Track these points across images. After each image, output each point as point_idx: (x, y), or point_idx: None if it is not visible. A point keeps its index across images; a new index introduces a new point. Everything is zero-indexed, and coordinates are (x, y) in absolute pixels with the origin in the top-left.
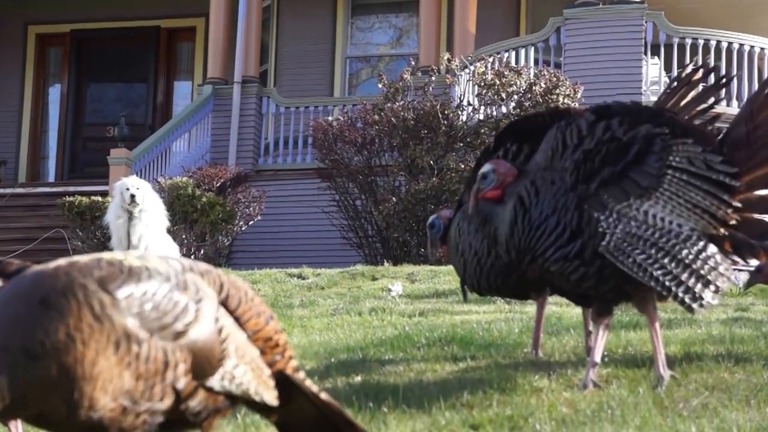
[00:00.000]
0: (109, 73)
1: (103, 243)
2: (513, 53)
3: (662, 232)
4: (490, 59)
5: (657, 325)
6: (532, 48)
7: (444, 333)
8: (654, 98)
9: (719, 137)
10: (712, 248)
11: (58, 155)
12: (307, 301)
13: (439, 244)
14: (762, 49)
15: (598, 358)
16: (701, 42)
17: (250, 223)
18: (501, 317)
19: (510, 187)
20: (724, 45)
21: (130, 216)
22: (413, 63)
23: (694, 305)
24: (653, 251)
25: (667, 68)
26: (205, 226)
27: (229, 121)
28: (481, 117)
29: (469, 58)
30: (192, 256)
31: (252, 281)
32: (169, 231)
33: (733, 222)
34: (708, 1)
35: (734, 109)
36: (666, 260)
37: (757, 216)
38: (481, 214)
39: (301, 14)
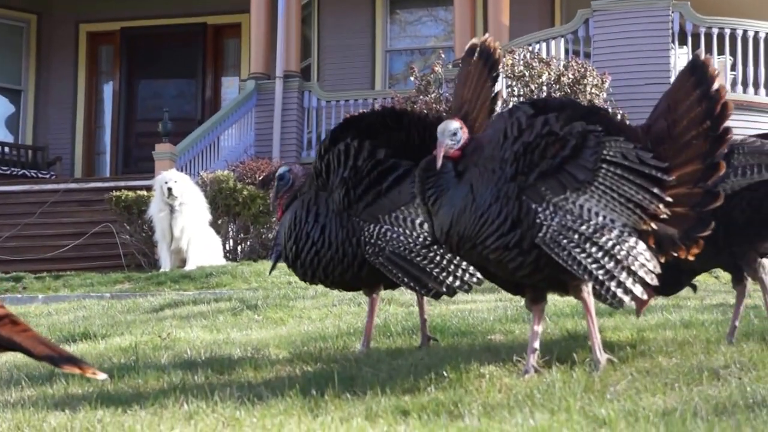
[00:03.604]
0: (159, 69)
1: (150, 236)
2: (544, 45)
3: (596, 226)
4: (520, 51)
5: (592, 311)
6: (562, 39)
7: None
8: None
9: (643, 131)
10: (641, 245)
11: (111, 151)
12: (321, 292)
13: (281, 199)
14: None
15: (536, 345)
16: (728, 31)
17: None
18: (493, 306)
19: (463, 173)
20: (751, 34)
21: (172, 209)
22: (443, 56)
23: (626, 299)
24: (587, 245)
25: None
26: (247, 219)
27: (272, 116)
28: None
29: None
30: (237, 248)
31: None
32: (212, 224)
33: (663, 216)
34: None
35: (760, 97)
36: (599, 254)
37: (683, 210)
38: (431, 192)
39: (341, 9)
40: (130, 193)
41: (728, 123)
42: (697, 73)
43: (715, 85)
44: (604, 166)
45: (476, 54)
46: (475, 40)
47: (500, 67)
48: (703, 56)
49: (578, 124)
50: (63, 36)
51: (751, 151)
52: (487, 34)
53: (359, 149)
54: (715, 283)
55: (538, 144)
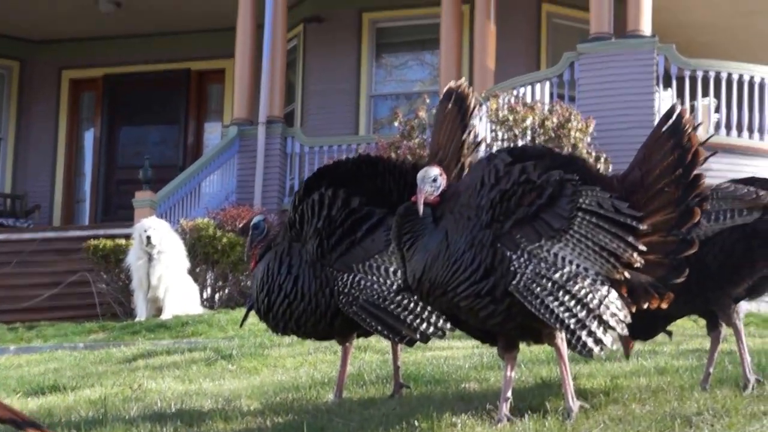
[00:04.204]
0: (142, 115)
1: (127, 285)
2: (529, 88)
3: (570, 275)
4: (504, 95)
5: (565, 358)
6: (548, 83)
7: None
8: None
9: (617, 182)
10: (613, 294)
11: (92, 198)
12: (297, 340)
13: (254, 249)
14: None
15: (509, 393)
16: (712, 74)
17: None
18: (469, 353)
19: (440, 219)
20: (735, 77)
21: (150, 257)
22: (428, 100)
23: (595, 349)
24: (560, 293)
25: (680, 100)
26: (226, 267)
27: (254, 162)
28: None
29: (483, 94)
30: (215, 296)
31: None
32: (191, 272)
33: (637, 264)
34: (718, 33)
35: (743, 139)
36: (572, 303)
37: (657, 258)
38: (407, 238)
39: (326, 54)
40: (108, 242)
41: (699, 170)
42: (672, 123)
43: (687, 135)
44: (579, 214)
45: (452, 99)
46: (451, 84)
47: (473, 114)
48: (678, 107)
49: (555, 173)
50: (45, 82)
51: (723, 196)
52: (462, 79)
53: (333, 198)
54: (692, 327)
55: (514, 192)
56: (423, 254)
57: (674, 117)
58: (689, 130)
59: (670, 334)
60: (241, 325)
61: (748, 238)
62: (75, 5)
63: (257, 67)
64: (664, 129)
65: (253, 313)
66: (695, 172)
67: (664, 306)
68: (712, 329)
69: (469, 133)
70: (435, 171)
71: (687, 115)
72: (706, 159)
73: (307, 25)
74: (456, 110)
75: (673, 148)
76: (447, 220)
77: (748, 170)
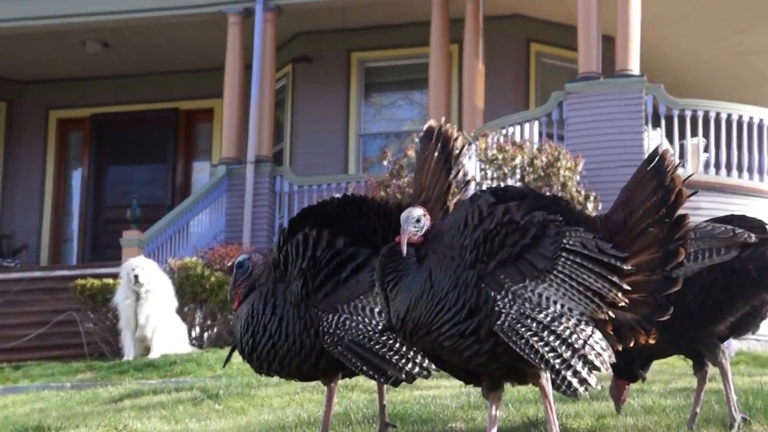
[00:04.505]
0: (130, 155)
1: (114, 324)
2: (518, 127)
3: (554, 315)
4: (493, 134)
5: (550, 398)
6: (536, 122)
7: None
8: None
9: (600, 223)
10: (597, 334)
11: (79, 238)
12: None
13: (238, 289)
14: (761, 119)
15: None
16: (701, 113)
17: None
18: (456, 392)
19: (424, 259)
20: (724, 116)
21: (138, 296)
22: (416, 140)
23: (580, 389)
24: (545, 334)
25: (669, 139)
26: (214, 306)
27: (243, 201)
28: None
29: (473, 134)
30: (204, 335)
31: None
32: (179, 311)
33: (621, 304)
34: (706, 72)
35: (732, 178)
36: (557, 343)
37: (641, 297)
38: (391, 278)
39: (315, 93)
40: (96, 281)
41: (684, 210)
42: (654, 164)
43: (670, 176)
44: (563, 254)
45: (433, 139)
46: (432, 123)
47: (460, 155)
48: (661, 149)
49: (538, 214)
50: (32, 122)
51: (702, 235)
52: (442, 119)
53: (318, 239)
54: (682, 366)
55: (498, 232)
56: (407, 294)
57: (657, 158)
58: (672, 171)
59: (643, 379)
60: (224, 365)
61: (726, 277)
62: (63, 46)
63: (246, 107)
64: (647, 170)
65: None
66: (679, 212)
67: (651, 341)
68: (698, 369)
69: (456, 174)
70: (419, 211)
71: (669, 156)
72: (689, 197)
73: (296, 64)
74: (440, 151)
75: (656, 188)
76: (431, 260)
77: (738, 209)
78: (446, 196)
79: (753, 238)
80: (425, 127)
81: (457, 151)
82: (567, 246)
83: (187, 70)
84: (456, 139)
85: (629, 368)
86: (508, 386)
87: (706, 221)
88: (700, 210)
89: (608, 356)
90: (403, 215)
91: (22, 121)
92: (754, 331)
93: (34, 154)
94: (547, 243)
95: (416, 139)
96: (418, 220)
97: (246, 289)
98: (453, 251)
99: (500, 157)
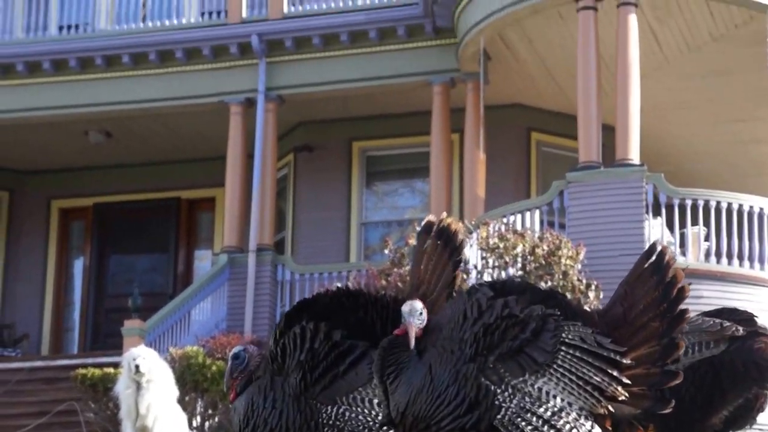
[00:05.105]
0: (131, 244)
1: (115, 414)
2: (519, 216)
3: (554, 409)
4: (494, 223)
5: None
6: (537, 211)
7: None
8: None
9: (600, 317)
10: (597, 429)
11: (81, 327)
12: None
13: (234, 380)
14: (761, 208)
15: None
16: (701, 202)
17: None
18: None
19: (423, 353)
20: (724, 205)
21: (138, 386)
22: (417, 228)
23: None
24: (545, 428)
25: (670, 228)
26: (216, 395)
27: (244, 289)
28: (487, 280)
29: (474, 222)
30: (205, 424)
31: None
32: (180, 400)
33: (621, 398)
34: (706, 161)
35: (733, 267)
36: None
37: (641, 390)
38: (391, 370)
39: (317, 182)
40: (96, 371)
41: (684, 305)
42: (654, 258)
43: (672, 271)
44: (563, 348)
45: (434, 233)
46: (431, 218)
47: (463, 250)
48: (659, 245)
49: (537, 308)
50: (34, 212)
51: (692, 329)
52: (443, 213)
53: (315, 331)
54: None
55: (498, 326)
56: (407, 387)
57: (656, 253)
58: (673, 266)
59: None
60: None
61: (716, 370)
62: (65, 136)
63: (247, 196)
64: (646, 265)
65: None
66: (681, 307)
67: None
68: None
69: (460, 269)
70: (420, 304)
71: (669, 251)
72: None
73: (298, 154)
74: (441, 246)
75: (657, 284)
76: (430, 353)
77: (739, 298)
78: (451, 289)
79: (740, 331)
80: (424, 222)
81: (461, 245)
82: (566, 340)
83: (188, 159)
84: (458, 233)
85: None
86: None
87: (696, 315)
88: (702, 299)
89: None
90: (406, 308)
91: (24, 211)
92: (751, 424)
93: (35, 243)
94: (547, 337)
95: (417, 228)
96: (420, 313)
97: (243, 380)
98: (452, 344)
99: (501, 245)
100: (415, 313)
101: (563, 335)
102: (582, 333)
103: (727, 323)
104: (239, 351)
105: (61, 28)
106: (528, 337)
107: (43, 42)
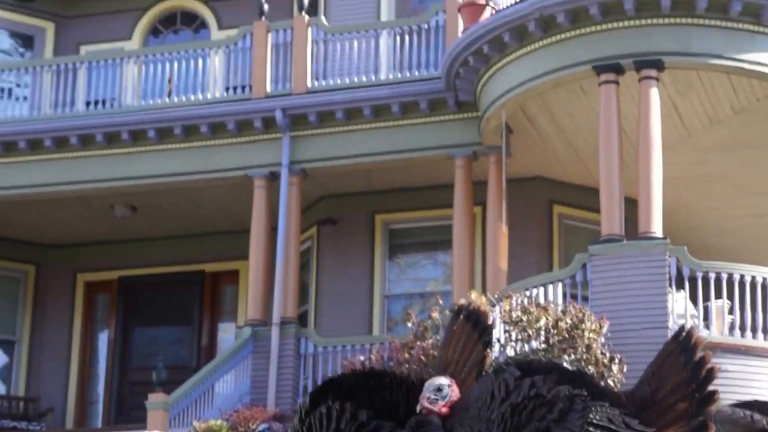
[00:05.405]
0: (156, 316)
1: None
2: (542, 289)
3: None
4: (517, 296)
5: None
6: (560, 284)
7: None
8: None
9: (627, 398)
10: None
11: (105, 400)
12: None
13: None
14: None
15: None
16: (725, 275)
17: None
18: None
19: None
20: (748, 278)
21: None
22: (441, 301)
23: None
24: None
25: (693, 301)
26: None
27: (268, 363)
28: (510, 353)
29: (496, 295)
30: None
31: None
32: None
33: None
34: (728, 236)
35: (758, 341)
36: None
37: None
38: None
39: (340, 255)
40: None
41: (713, 386)
42: (682, 339)
43: (700, 352)
44: (590, 430)
45: (462, 316)
46: (462, 301)
47: (492, 331)
48: (687, 326)
49: (564, 388)
50: (60, 286)
51: (722, 420)
52: (473, 296)
53: (341, 412)
54: None
55: (525, 406)
56: None
57: (684, 334)
58: (701, 346)
59: None
60: None
61: None
62: (91, 211)
63: (271, 269)
64: (674, 346)
65: None
66: (710, 387)
67: None
68: None
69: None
70: (443, 380)
71: (696, 332)
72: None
73: (321, 227)
74: (470, 327)
75: (685, 364)
76: None
77: (763, 371)
78: (480, 368)
79: None
80: (457, 306)
81: (491, 326)
82: (594, 421)
83: (212, 233)
84: (488, 314)
85: None
86: None
87: (727, 405)
88: (727, 373)
89: None
90: (427, 383)
91: (50, 284)
92: None
93: (61, 316)
94: (574, 418)
95: (440, 301)
96: (439, 389)
97: None
98: (480, 424)
99: (524, 318)
100: (431, 388)
101: (590, 416)
102: (610, 414)
103: (757, 416)
104: (264, 429)
105: (88, 103)
106: (555, 417)
107: (70, 117)
